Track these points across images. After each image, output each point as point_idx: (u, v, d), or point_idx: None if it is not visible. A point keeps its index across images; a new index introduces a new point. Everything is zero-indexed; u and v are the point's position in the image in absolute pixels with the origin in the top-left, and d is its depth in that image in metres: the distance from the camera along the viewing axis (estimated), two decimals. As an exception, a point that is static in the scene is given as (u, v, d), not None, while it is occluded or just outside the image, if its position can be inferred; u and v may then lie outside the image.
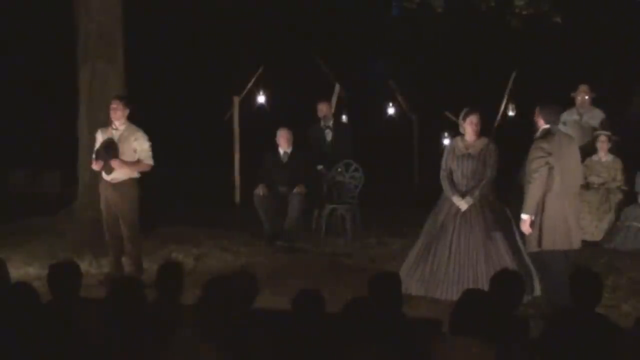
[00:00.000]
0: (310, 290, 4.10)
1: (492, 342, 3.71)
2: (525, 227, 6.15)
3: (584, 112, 9.36)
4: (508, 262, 6.43)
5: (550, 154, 6.13)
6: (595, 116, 9.36)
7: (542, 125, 6.30)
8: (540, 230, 6.16)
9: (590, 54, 14.97)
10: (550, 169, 6.10)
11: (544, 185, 6.09)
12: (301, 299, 4.00)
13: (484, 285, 4.90)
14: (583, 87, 9.41)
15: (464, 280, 6.46)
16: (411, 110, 15.03)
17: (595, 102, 9.46)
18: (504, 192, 6.92)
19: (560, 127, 9.46)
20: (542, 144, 6.17)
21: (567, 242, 6.28)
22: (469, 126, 6.74)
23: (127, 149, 7.34)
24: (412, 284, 6.69)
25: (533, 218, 6.12)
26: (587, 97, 9.35)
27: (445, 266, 6.62)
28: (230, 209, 10.96)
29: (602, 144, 9.08)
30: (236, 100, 11.32)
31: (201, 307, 3.94)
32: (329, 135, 9.92)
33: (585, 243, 8.53)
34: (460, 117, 6.84)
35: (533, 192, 6.10)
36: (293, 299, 4.01)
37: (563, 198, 6.25)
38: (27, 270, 7.71)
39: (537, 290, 6.60)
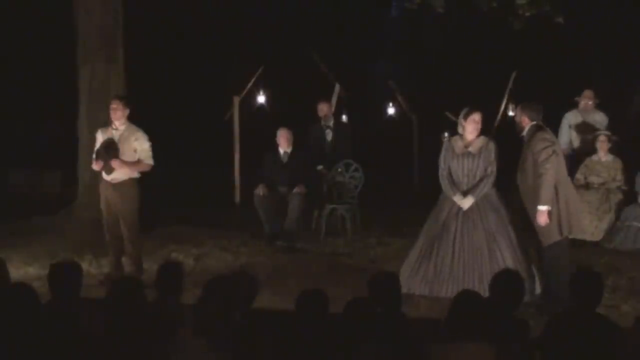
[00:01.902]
0: (314, 290, 4.09)
1: (491, 342, 3.72)
2: (544, 219, 6.15)
3: (587, 115, 9.38)
4: (511, 261, 6.42)
5: (554, 142, 6.29)
6: (598, 119, 9.37)
7: (528, 123, 6.37)
8: (559, 217, 6.21)
9: (591, 53, 14.97)
10: (557, 156, 6.20)
11: (555, 174, 6.16)
12: (305, 298, 4.00)
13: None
14: (587, 93, 9.42)
15: (469, 280, 6.43)
16: (411, 110, 15.04)
17: (597, 105, 9.48)
18: (503, 192, 6.91)
19: (564, 128, 9.54)
20: (544, 135, 6.26)
21: (581, 230, 6.47)
22: (471, 124, 6.71)
23: (127, 149, 7.33)
24: (415, 284, 6.66)
25: (550, 209, 6.15)
26: (590, 103, 9.37)
27: (449, 265, 6.60)
28: (230, 209, 10.96)
29: (602, 143, 9.08)
30: (236, 100, 11.32)
31: (201, 307, 3.94)
32: (329, 135, 9.91)
33: (585, 243, 8.57)
34: (461, 116, 6.80)
35: (548, 182, 6.14)
36: (297, 298, 4.01)
37: (570, 185, 6.47)
38: (27, 270, 7.70)
39: (538, 289, 6.60)
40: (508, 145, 7.11)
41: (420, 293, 6.62)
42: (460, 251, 6.60)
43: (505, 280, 4.41)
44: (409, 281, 6.58)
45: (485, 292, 4.83)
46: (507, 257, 6.49)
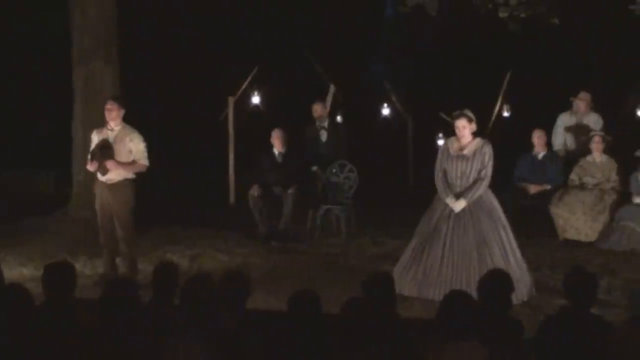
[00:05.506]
0: (305, 291, 4.09)
1: (484, 342, 3.72)
2: None
3: (581, 116, 9.40)
4: (502, 265, 6.35)
5: None
6: (592, 120, 9.39)
7: None
8: None
9: (585, 53, 15.00)
10: None
11: None
12: (296, 299, 4.00)
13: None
14: (584, 95, 9.43)
15: (457, 282, 6.37)
16: (406, 111, 15.04)
17: (592, 107, 9.50)
18: (498, 193, 6.91)
19: (558, 129, 9.56)
20: None
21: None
22: (457, 129, 6.73)
23: (123, 150, 7.32)
24: (405, 285, 6.63)
25: None
26: (583, 105, 9.38)
27: (438, 267, 6.57)
28: (224, 209, 10.95)
29: (597, 144, 9.09)
30: (231, 100, 11.32)
31: (193, 308, 3.94)
32: (323, 135, 9.91)
33: (579, 243, 8.59)
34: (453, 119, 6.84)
35: None
36: (288, 299, 4.01)
37: None
38: (21, 271, 7.69)
39: (533, 293, 6.62)
40: (502, 146, 7.11)
41: (409, 294, 6.60)
42: (449, 254, 6.57)
43: (491, 280, 4.41)
44: (399, 281, 6.55)
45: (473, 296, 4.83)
46: (498, 262, 6.41)
